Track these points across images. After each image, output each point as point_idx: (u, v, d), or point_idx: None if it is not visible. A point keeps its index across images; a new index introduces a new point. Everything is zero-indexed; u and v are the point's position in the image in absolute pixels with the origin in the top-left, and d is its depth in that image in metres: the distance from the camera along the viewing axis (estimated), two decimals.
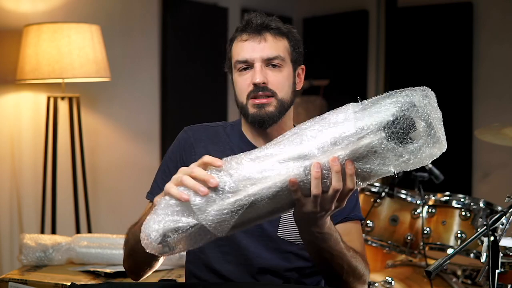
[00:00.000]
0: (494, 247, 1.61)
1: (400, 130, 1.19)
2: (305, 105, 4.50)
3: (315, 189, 1.19)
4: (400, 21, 4.57)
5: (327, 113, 1.25)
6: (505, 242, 2.18)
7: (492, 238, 1.61)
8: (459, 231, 2.52)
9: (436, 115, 1.28)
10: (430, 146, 1.23)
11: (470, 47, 4.40)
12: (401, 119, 1.20)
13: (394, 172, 1.20)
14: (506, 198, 1.81)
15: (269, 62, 1.54)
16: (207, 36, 4.25)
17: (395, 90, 1.30)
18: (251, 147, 1.54)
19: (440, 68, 4.53)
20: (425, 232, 2.57)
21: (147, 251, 1.18)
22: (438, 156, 1.25)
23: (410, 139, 1.20)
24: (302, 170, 1.18)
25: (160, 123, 3.92)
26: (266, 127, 1.55)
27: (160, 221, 1.17)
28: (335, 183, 1.20)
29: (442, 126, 1.28)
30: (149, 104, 3.87)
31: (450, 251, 2.49)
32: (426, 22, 4.61)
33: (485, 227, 1.64)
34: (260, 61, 1.53)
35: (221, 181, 1.17)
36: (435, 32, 4.56)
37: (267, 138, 1.56)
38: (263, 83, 1.52)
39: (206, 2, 4.21)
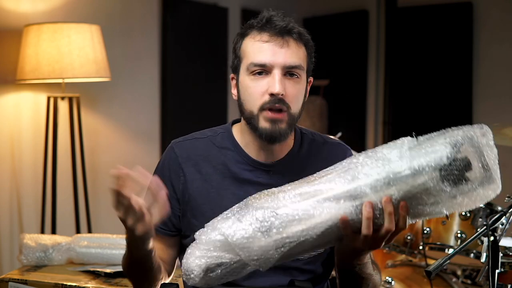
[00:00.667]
0: (494, 247, 1.61)
1: (456, 171, 1.16)
2: (305, 105, 4.49)
3: (365, 229, 1.17)
4: (400, 21, 4.57)
5: (380, 147, 1.23)
6: (505, 242, 2.18)
7: (492, 238, 1.61)
8: (459, 231, 2.52)
9: (492, 155, 1.23)
10: (485, 188, 1.19)
11: (470, 47, 4.40)
12: (457, 160, 1.16)
13: (446, 214, 1.17)
14: (506, 198, 1.81)
15: (288, 71, 1.41)
16: (207, 36, 4.25)
17: (452, 128, 1.24)
18: (250, 162, 1.47)
19: (440, 68, 4.53)
20: (425, 232, 2.57)
21: (188, 284, 1.17)
22: (492, 198, 1.22)
23: (465, 180, 1.16)
24: (354, 209, 1.16)
25: (160, 123, 3.92)
26: (276, 143, 1.44)
27: (203, 256, 1.16)
28: (388, 224, 1.17)
29: (498, 165, 1.23)
30: (149, 104, 3.87)
31: (450, 251, 2.49)
32: (426, 22, 4.61)
33: (485, 227, 1.64)
34: (281, 68, 1.39)
35: (267, 219, 1.15)
36: (435, 32, 4.56)
37: (271, 152, 1.47)
38: (282, 94, 1.39)
39: (206, 2, 4.21)
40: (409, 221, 1.20)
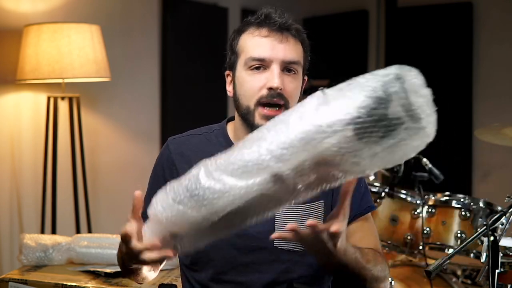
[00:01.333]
0: (494, 247, 1.61)
1: (372, 125, 0.98)
2: None
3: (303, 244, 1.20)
4: (400, 21, 4.57)
5: (290, 109, 1.10)
6: (505, 242, 2.18)
7: (492, 238, 1.61)
8: (459, 231, 2.52)
9: (419, 99, 1.04)
10: (411, 139, 1.00)
11: (470, 47, 4.40)
12: (373, 111, 0.98)
13: (371, 173, 1.05)
14: (506, 198, 1.81)
15: (286, 67, 1.40)
16: (207, 36, 4.25)
17: (367, 74, 1.05)
18: None
19: (440, 68, 4.53)
20: (425, 232, 2.57)
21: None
22: (422, 147, 1.03)
23: (386, 133, 0.98)
24: (264, 186, 1.05)
25: (160, 123, 3.92)
26: None
27: (152, 232, 1.16)
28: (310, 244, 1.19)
29: (430, 109, 1.04)
30: (149, 104, 3.87)
31: (450, 251, 2.49)
32: (426, 22, 4.61)
33: (485, 227, 1.64)
34: (279, 63, 1.39)
35: (191, 192, 1.09)
36: (435, 32, 4.56)
37: None
38: (280, 89, 1.38)
39: (206, 2, 4.21)
40: (340, 182, 1.08)
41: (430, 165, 2.85)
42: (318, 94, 1.08)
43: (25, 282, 2.00)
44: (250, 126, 1.42)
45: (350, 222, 1.45)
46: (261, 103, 1.40)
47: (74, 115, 3.11)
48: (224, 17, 4.35)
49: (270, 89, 1.38)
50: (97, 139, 3.48)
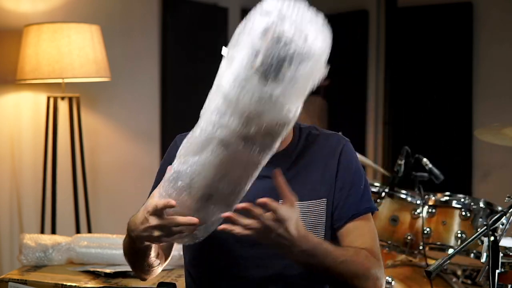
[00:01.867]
0: (494, 247, 1.61)
1: (269, 65, 1.11)
2: (305, 105, 4.48)
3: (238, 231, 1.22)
4: (400, 21, 4.57)
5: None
6: (505, 242, 2.18)
7: (492, 238, 1.61)
8: (459, 231, 2.52)
9: (293, 28, 1.13)
10: (305, 63, 1.13)
11: (470, 47, 4.40)
12: (266, 52, 1.11)
13: (294, 112, 1.17)
14: (506, 198, 1.81)
15: None
16: (207, 36, 4.25)
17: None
18: None
19: (440, 68, 4.53)
20: (425, 232, 2.57)
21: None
22: (322, 68, 1.16)
23: (282, 67, 1.11)
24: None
25: (160, 123, 3.92)
26: None
27: None
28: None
29: (315, 30, 1.15)
30: (149, 104, 3.87)
31: (450, 251, 2.49)
32: (426, 22, 4.61)
33: (485, 227, 1.64)
34: None
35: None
36: (435, 32, 4.55)
37: None
38: None
39: (206, 2, 4.21)
40: (279, 134, 1.19)
41: (430, 165, 2.85)
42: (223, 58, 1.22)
43: (25, 282, 1.99)
44: None
45: (347, 221, 1.48)
46: None
47: (74, 115, 3.11)
48: (224, 17, 4.35)
49: None
50: (97, 139, 3.48)
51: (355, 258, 1.40)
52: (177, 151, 1.49)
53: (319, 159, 1.51)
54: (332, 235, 1.50)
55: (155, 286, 1.52)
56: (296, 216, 1.28)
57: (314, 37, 1.17)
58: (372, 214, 1.53)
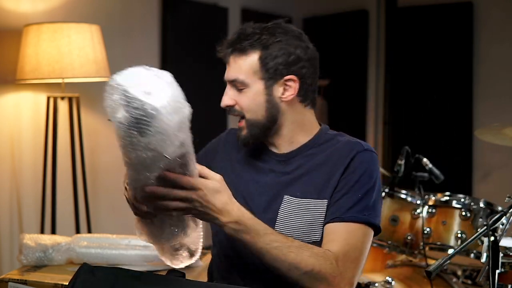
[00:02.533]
0: (494, 247, 1.61)
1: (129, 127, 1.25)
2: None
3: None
4: (400, 21, 4.57)
5: None
6: (505, 242, 2.18)
7: (492, 238, 1.61)
8: (459, 231, 2.52)
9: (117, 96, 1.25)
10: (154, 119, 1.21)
11: (470, 47, 4.40)
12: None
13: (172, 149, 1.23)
14: (506, 198, 1.81)
15: (234, 84, 1.56)
16: (207, 36, 4.24)
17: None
18: (266, 153, 1.62)
19: (440, 68, 4.53)
20: (425, 232, 2.57)
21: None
22: (156, 113, 1.22)
23: (141, 128, 1.23)
24: None
25: None
26: (248, 146, 1.60)
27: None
28: None
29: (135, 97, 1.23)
30: None
31: (450, 251, 2.49)
32: (426, 22, 4.61)
33: (485, 227, 1.64)
34: (228, 83, 1.58)
35: None
36: (435, 32, 4.56)
37: (272, 145, 1.62)
38: (230, 105, 1.57)
39: (206, 2, 4.21)
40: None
41: (430, 165, 2.85)
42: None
43: (24, 282, 1.99)
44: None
45: (328, 221, 1.48)
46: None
47: (74, 115, 3.11)
48: (224, 17, 4.35)
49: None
50: (97, 139, 3.47)
51: (297, 250, 1.39)
52: (220, 142, 1.73)
53: (330, 162, 1.55)
54: None
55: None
56: (218, 188, 1.34)
57: (157, 95, 1.30)
58: (370, 227, 1.49)
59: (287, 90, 1.55)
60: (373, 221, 1.49)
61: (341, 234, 1.46)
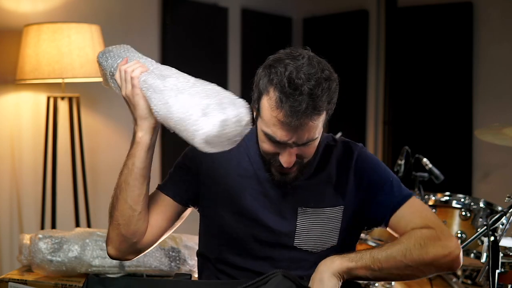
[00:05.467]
0: (494, 247, 1.61)
1: None
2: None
3: None
4: (400, 21, 4.57)
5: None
6: (505, 242, 2.18)
7: (492, 238, 1.61)
8: (459, 231, 2.52)
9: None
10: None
11: (470, 47, 4.39)
12: None
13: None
14: (506, 198, 1.81)
15: (302, 144, 1.45)
16: (207, 36, 4.25)
17: None
18: (260, 164, 1.57)
19: (440, 68, 4.53)
20: None
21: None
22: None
23: None
24: None
25: None
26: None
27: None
28: None
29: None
30: None
31: None
32: (426, 22, 4.61)
33: (485, 227, 1.64)
34: (293, 145, 1.44)
35: None
36: (435, 32, 4.55)
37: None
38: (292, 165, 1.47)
39: (206, 2, 4.21)
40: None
41: (430, 165, 2.85)
42: None
43: (24, 282, 1.99)
44: (267, 169, 1.54)
45: (391, 215, 1.54)
46: (274, 164, 1.50)
47: (74, 115, 3.11)
48: (224, 17, 4.35)
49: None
50: (97, 139, 3.47)
51: (404, 241, 1.46)
52: (199, 155, 1.58)
53: (336, 170, 1.58)
54: (346, 238, 1.57)
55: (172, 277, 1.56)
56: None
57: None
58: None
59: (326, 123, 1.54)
60: (411, 192, 1.60)
61: (408, 214, 1.53)
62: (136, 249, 1.56)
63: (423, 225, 1.50)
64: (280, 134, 1.42)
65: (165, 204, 1.60)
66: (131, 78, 1.47)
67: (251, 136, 1.57)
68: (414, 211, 1.55)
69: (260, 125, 1.47)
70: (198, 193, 1.61)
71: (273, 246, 1.55)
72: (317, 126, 1.44)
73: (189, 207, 1.65)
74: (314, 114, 1.39)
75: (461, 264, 1.50)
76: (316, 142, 1.50)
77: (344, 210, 1.56)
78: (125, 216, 1.54)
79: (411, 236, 1.47)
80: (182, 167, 1.63)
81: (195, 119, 1.29)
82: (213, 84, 1.39)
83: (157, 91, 1.40)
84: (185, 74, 1.44)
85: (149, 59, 1.56)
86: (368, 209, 1.56)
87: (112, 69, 1.56)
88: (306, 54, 1.46)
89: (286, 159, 1.45)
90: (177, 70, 1.47)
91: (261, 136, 1.49)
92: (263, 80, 1.44)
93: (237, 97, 1.35)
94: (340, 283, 1.42)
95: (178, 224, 1.66)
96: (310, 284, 1.43)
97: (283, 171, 1.49)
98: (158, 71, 1.48)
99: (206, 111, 1.28)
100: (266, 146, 1.48)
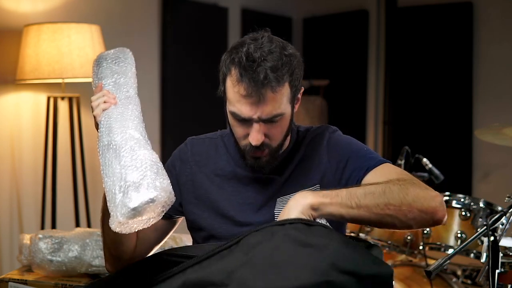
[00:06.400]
0: (494, 247, 1.61)
1: None
2: (305, 105, 4.50)
3: None
4: (400, 21, 4.57)
5: None
6: (505, 242, 2.18)
7: (492, 238, 1.61)
8: (459, 231, 2.52)
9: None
10: None
11: (470, 47, 4.40)
12: None
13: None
14: (506, 198, 1.81)
15: (268, 120, 1.45)
16: (207, 36, 4.25)
17: None
18: (239, 161, 1.57)
19: (440, 68, 4.53)
20: (425, 232, 2.57)
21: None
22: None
23: None
24: None
25: (160, 123, 3.92)
26: (262, 172, 1.53)
27: None
28: None
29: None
30: (149, 104, 3.87)
31: (450, 251, 2.49)
32: (426, 22, 4.61)
33: (485, 227, 1.64)
34: (258, 121, 1.44)
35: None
36: (435, 32, 4.56)
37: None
38: (261, 143, 1.46)
39: (206, 2, 4.21)
40: None
41: (430, 165, 2.85)
42: None
43: (25, 282, 1.99)
44: (242, 156, 1.53)
45: (362, 176, 1.48)
46: (246, 148, 1.49)
47: (74, 115, 3.11)
48: (224, 17, 4.35)
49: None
50: (97, 139, 3.47)
51: (376, 187, 1.37)
52: (187, 155, 1.62)
53: (310, 152, 1.57)
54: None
55: None
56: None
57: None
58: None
59: (297, 102, 1.53)
60: (386, 159, 1.53)
61: (384, 174, 1.46)
62: (130, 263, 1.56)
63: (400, 178, 1.42)
64: (244, 109, 1.43)
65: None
66: (94, 115, 1.50)
67: (230, 136, 1.59)
68: (390, 171, 1.48)
69: (228, 107, 1.48)
70: (181, 202, 1.62)
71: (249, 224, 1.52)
72: (281, 100, 1.43)
73: (176, 217, 1.65)
74: (273, 83, 1.40)
75: (446, 217, 1.40)
76: (284, 122, 1.48)
77: (321, 188, 1.51)
78: (110, 238, 1.53)
79: (390, 180, 1.39)
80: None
81: (115, 200, 1.28)
82: (148, 148, 1.43)
83: (101, 144, 1.43)
84: (137, 123, 1.46)
85: (130, 81, 1.61)
86: (344, 178, 1.51)
87: (93, 85, 1.61)
88: (266, 35, 1.47)
89: (253, 136, 1.44)
90: (136, 114, 1.50)
91: (230, 120, 1.49)
92: (226, 62, 1.48)
93: (162, 174, 1.35)
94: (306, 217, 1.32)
95: (170, 233, 1.67)
96: (277, 219, 1.36)
97: (255, 155, 1.48)
98: (120, 108, 1.49)
99: (125, 192, 1.27)
100: (236, 129, 1.49)
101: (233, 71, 1.44)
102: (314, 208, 1.32)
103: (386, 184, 1.37)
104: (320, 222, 1.31)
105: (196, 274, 1.25)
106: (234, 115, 1.46)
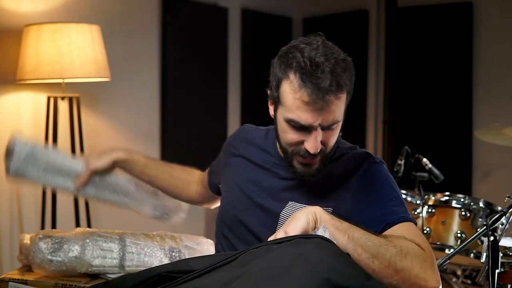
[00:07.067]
0: (494, 247, 1.61)
1: None
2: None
3: None
4: (400, 21, 4.57)
5: None
6: (505, 242, 2.18)
7: (492, 238, 1.61)
8: (459, 231, 2.52)
9: None
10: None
11: (470, 47, 4.40)
12: None
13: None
14: (506, 198, 1.81)
15: (327, 127, 1.41)
16: (207, 36, 4.25)
17: None
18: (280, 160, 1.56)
19: (440, 68, 4.53)
20: (425, 232, 2.57)
21: None
22: None
23: None
24: None
25: (160, 123, 3.92)
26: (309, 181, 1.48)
27: None
28: None
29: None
30: (149, 104, 3.87)
31: (450, 251, 2.49)
32: (426, 22, 4.61)
33: (485, 227, 1.64)
34: (319, 128, 1.39)
35: None
36: (435, 32, 4.56)
37: None
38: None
39: (206, 2, 4.21)
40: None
41: (430, 165, 2.85)
42: None
43: (25, 282, 1.99)
44: (288, 163, 1.48)
45: (382, 231, 1.40)
46: (298, 154, 1.44)
47: (74, 115, 3.11)
48: (224, 17, 4.35)
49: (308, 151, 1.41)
50: (97, 139, 3.48)
51: (387, 244, 1.28)
52: (237, 140, 1.74)
53: (342, 176, 1.51)
54: None
55: None
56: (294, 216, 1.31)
57: None
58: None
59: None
60: (413, 219, 1.44)
61: (402, 233, 1.36)
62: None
63: (415, 243, 1.33)
64: (305, 117, 1.37)
65: (206, 186, 1.87)
66: None
67: (272, 138, 1.61)
68: (409, 232, 1.37)
69: (282, 113, 1.42)
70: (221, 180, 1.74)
71: (252, 243, 1.50)
72: (341, 107, 1.42)
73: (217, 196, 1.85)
74: (338, 91, 1.37)
75: None
76: (339, 128, 1.46)
77: (333, 212, 1.45)
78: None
79: (400, 240, 1.30)
80: (219, 159, 1.81)
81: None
82: None
83: None
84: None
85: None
86: (361, 219, 1.41)
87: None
88: (320, 39, 1.47)
89: (312, 144, 1.39)
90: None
91: (283, 127, 1.43)
92: (281, 67, 1.41)
93: None
94: (313, 223, 1.28)
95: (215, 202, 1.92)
96: (283, 224, 1.33)
97: (306, 162, 1.43)
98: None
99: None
100: (289, 135, 1.42)
101: (292, 76, 1.38)
102: (319, 215, 1.30)
103: (387, 242, 1.28)
104: (320, 231, 1.29)
105: (192, 285, 1.25)
106: (292, 122, 1.40)
